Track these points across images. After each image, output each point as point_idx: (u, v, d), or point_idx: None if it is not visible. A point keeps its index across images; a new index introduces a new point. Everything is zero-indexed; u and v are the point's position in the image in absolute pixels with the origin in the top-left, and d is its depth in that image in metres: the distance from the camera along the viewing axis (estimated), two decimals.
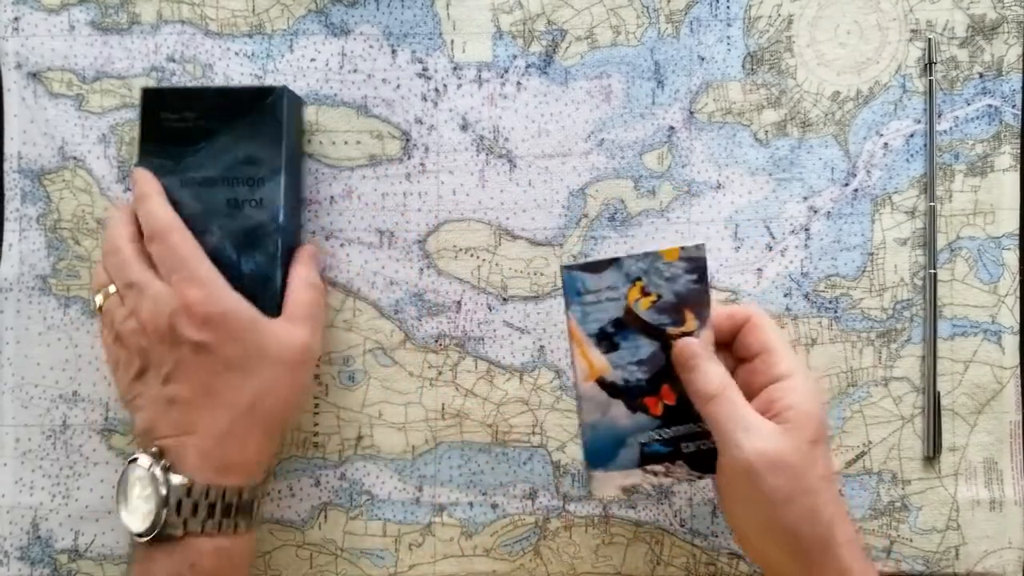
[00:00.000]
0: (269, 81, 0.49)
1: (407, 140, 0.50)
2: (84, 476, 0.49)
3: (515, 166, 0.50)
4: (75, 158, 0.49)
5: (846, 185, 0.50)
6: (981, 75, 0.50)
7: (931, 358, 0.49)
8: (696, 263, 0.40)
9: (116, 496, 0.41)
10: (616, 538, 0.49)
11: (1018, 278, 0.49)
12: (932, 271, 0.49)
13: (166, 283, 0.41)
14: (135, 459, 0.40)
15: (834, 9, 0.50)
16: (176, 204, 0.44)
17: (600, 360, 0.41)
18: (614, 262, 0.40)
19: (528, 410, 0.49)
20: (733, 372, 0.42)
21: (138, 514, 0.40)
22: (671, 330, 0.41)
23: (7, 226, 0.49)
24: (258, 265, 0.44)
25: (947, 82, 0.50)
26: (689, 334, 0.41)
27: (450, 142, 0.50)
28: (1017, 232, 0.50)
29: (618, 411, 0.42)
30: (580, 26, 0.50)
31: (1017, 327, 0.49)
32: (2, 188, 0.49)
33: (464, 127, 0.50)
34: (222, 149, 0.44)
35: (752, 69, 0.50)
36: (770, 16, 0.50)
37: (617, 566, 0.49)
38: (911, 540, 0.49)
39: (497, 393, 0.49)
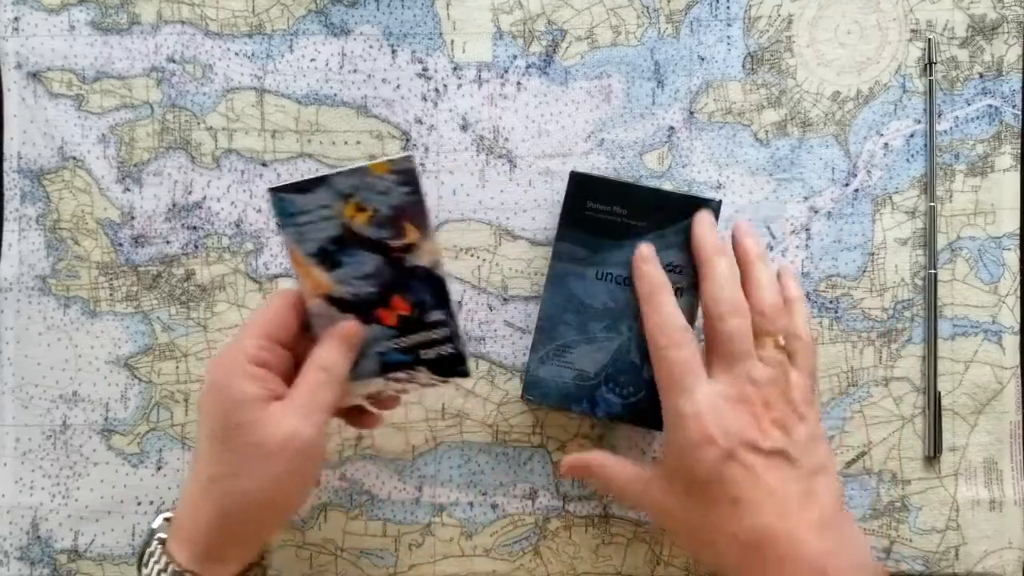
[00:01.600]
0: (269, 81, 0.49)
1: (407, 140, 0.50)
2: (84, 476, 0.49)
3: (515, 166, 0.50)
4: (75, 158, 0.49)
5: (846, 185, 0.50)
6: (981, 75, 0.50)
7: (931, 358, 0.49)
8: (407, 175, 0.40)
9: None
10: (616, 538, 0.49)
11: (1018, 278, 0.49)
12: (932, 271, 0.49)
13: None
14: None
15: (834, 9, 0.50)
16: (588, 295, 0.44)
17: (323, 277, 0.41)
18: (323, 180, 0.40)
19: (528, 410, 0.49)
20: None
21: None
22: (392, 243, 0.41)
23: (7, 226, 0.49)
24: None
25: (947, 82, 0.50)
26: (412, 246, 0.41)
27: (450, 142, 0.49)
28: (1017, 232, 0.50)
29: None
30: (580, 26, 0.50)
31: (1017, 327, 0.49)
32: (1, 188, 0.49)
33: (464, 127, 0.50)
34: None
35: (752, 69, 0.50)
36: (770, 16, 0.50)
37: (617, 566, 0.49)
38: (911, 540, 0.49)
39: (497, 393, 0.49)
